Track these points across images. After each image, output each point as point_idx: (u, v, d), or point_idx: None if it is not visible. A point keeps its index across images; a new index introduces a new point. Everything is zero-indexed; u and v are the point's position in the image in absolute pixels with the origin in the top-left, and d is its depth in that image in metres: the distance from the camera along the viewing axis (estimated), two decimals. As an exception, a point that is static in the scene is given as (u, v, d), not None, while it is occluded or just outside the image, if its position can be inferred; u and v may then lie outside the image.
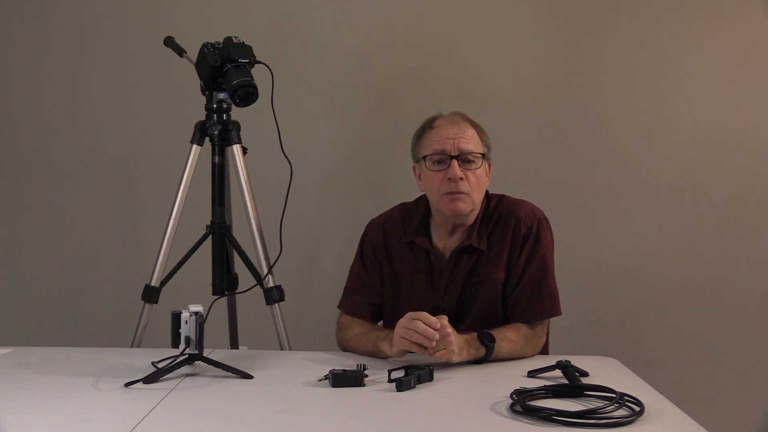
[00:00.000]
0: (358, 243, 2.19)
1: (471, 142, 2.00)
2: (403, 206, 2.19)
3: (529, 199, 2.16)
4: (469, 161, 1.99)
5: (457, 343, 1.78)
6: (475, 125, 2.05)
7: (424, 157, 2.02)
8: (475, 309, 2.03)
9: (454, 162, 1.97)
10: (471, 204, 2.00)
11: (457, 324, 2.03)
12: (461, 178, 1.96)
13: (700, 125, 2.81)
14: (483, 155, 2.02)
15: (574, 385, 1.64)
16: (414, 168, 2.11)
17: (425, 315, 1.79)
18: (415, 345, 1.78)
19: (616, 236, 2.84)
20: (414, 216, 2.12)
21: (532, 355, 1.97)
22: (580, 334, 2.73)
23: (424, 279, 2.07)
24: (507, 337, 1.90)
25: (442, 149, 1.99)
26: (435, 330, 1.75)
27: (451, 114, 2.07)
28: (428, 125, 2.06)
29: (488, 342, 1.84)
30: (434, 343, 1.75)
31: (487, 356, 1.84)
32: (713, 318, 2.82)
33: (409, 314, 1.82)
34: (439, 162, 2.00)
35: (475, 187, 1.99)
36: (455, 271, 2.04)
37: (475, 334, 1.85)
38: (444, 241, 2.07)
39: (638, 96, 2.82)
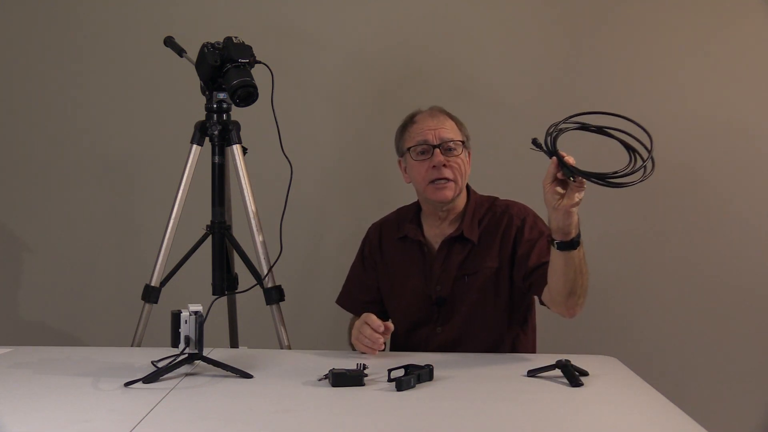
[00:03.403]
0: (360, 243, 2.30)
1: (451, 132, 2.11)
2: (400, 210, 2.30)
3: (529, 197, 2.17)
4: (451, 149, 2.09)
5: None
6: (453, 117, 2.17)
7: (408, 149, 2.12)
8: (468, 299, 2.10)
9: (437, 150, 2.07)
10: (456, 189, 2.10)
11: (452, 314, 2.10)
12: (444, 165, 2.07)
13: (699, 125, 2.81)
14: (463, 143, 2.12)
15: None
16: (399, 162, 2.21)
17: (372, 318, 1.92)
18: (366, 348, 1.93)
19: (615, 235, 2.84)
20: (408, 214, 2.23)
21: (578, 303, 1.89)
22: (580, 333, 2.73)
23: (417, 269, 2.16)
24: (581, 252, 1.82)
25: (425, 139, 2.09)
26: (380, 333, 1.90)
27: (430, 108, 2.18)
28: (409, 120, 2.18)
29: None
30: (382, 346, 1.92)
31: (577, 237, 1.77)
32: (713, 318, 2.82)
33: (362, 317, 1.96)
34: (422, 152, 2.10)
35: (459, 173, 2.10)
36: (447, 260, 2.12)
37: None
38: (434, 231, 2.17)
39: (638, 96, 2.81)
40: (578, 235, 1.77)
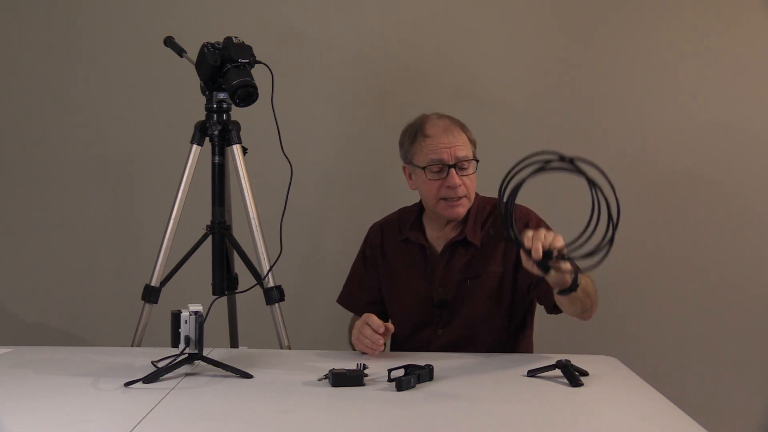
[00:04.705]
0: (361, 243, 2.29)
1: (465, 148, 2.06)
2: (402, 210, 2.28)
3: (528, 198, 2.16)
4: (465, 167, 2.06)
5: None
6: (463, 127, 2.11)
7: (424, 168, 2.06)
8: (471, 302, 2.09)
9: (452, 171, 2.03)
10: (468, 205, 2.09)
11: (454, 317, 2.10)
12: (459, 185, 2.04)
13: (699, 125, 2.80)
14: (474, 159, 2.09)
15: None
16: (404, 168, 2.17)
17: (373, 319, 1.91)
18: (366, 348, 1.93)
19: (615, 236, 2.83)
20: (409, 216, 2.21)
21: (591, 313, 1.92)
22: (580, 333, 2.73)
23: (419, 272, 2.15)
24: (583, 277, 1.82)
25: (440, 159, 2.04)
26: (380, 334, 1.89)
27: (439, 118, 2.10)
28: (420, 131, 2.09)
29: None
30: (382, 347, 1.91)
31: (575, 280, 1.75)
32: (713, 318, 2.82)
33: (363, 317, 1.95)
34: (437, 170, 2.05)
35: (471, 189, 2.09)
36: (450, 263, 2.11)
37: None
38: (437, 234, 2.15)
39: (637, 96, 2.82)
40: (576, 277, 1.73)
